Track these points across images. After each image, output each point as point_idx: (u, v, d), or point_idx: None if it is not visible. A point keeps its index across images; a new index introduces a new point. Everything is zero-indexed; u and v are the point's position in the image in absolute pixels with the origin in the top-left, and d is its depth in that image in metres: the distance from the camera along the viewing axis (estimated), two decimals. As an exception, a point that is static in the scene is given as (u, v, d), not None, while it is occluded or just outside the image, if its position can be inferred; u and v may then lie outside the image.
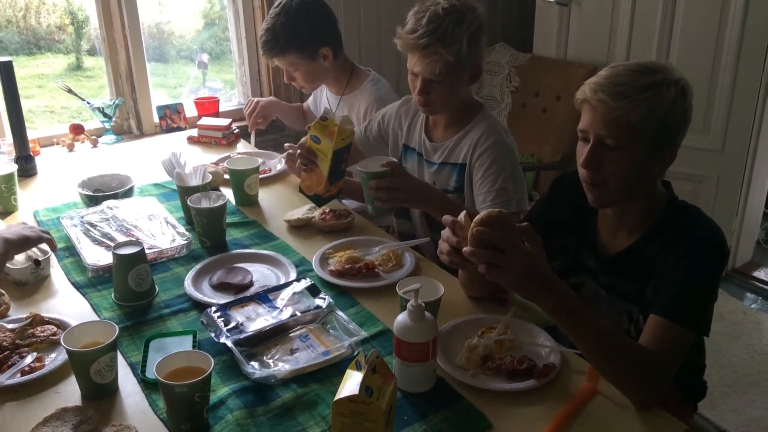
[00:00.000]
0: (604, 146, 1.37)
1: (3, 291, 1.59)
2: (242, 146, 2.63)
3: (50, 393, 1.33)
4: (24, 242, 1.61)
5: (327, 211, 1.97)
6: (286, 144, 1.98)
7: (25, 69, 5.59)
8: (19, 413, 1.27)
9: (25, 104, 5.08)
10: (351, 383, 1.00)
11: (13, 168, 2.08)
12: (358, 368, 1.02)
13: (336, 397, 1.00)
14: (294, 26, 2.23)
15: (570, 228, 1.59)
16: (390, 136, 2.11)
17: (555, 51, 3.48)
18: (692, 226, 1.41)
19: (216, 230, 1.85)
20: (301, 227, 1.96)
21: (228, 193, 2.12)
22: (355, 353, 1.42)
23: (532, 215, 1.70)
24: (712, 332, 1.49)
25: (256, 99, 2.55)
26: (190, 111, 2.98)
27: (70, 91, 2.83)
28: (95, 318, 1.56)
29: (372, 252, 1.80)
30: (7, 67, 2.19)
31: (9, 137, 2.41)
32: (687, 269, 1.35)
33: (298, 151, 1.87)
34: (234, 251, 1.83)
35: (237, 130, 2.68)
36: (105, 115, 2.81)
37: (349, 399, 0.99)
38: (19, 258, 1.67)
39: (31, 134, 2.76)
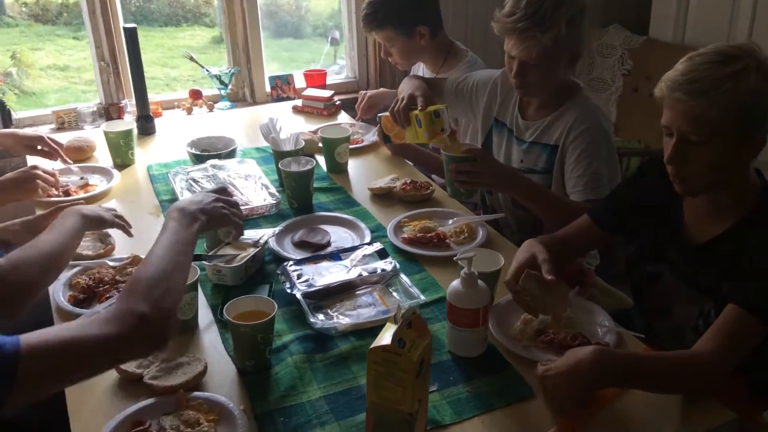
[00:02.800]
0: (688, 142, 1.33)
1: (110, 233, 1.78)
2: (342, 117, 2.74)
3: (140, 324, 1.50)
4: (99, 221, 1.62)
5: (408, 181, 2.04)
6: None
7: (173, 40, 6.02)
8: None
9: (170, 73, 5.46)
10: (387, 335, 1.07)
11: (132, 125, 2.30)
12: (396, 322, 1.09)
13: (371, 346, 1.07)
14: (394, 2, 2.30)
15: (652, 214, 1.56)
16: (481, 106, 2.10)
17: (672, 34, 3.33)
18: None
19: (303, 193, 1.97)
20: (382, 196, 2.04)
21: (321, 161, 2.24)
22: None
23: (614, 196, 1.69)
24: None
25: (364, 91, 2.61)
26: (300, 82, 3.13)
27: (192, 59, 3.05)
28: (187, 263, 1.72)
29: (446, 224, 1.86)
30: (132, 34, 2.40)
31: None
32: None
33: (400, 110, 1.97)
34: (318, 213, 1.95)
35: (338, 102, 2.79)
36: (222, 82, 3.01)
37: (383, 348, 1.06)
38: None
39: (156, 97, 3.02)
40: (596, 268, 2.06)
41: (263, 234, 1.73)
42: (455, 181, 1.80)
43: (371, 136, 2.43)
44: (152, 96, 3.04)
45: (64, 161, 2.17)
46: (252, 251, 1.65)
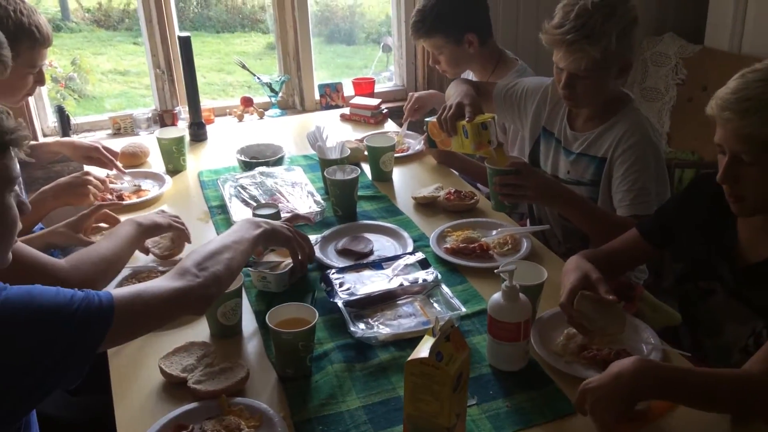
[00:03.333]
0: (740, 161, 1.30)
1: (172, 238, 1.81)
2: (389, 126, 2.75)
3: (185, 329, 1.53)
4: (155, 228, 1.68)
5: (452, 191, 2.04)
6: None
7: (229, 46, 6.16)
8: (156, 343, 1.47)
9: (226, 79, 5.55)
10: (425, 347, 1.07)
11: (184, 132, 2.36)
12: (434, 335, 1.09)
13: (409, 358, 1.08)
14: (443, 9, 2.30)
15: (703, 231, 1.53)
16: (530, 114, 2.07)
17: (728, 43, 3.24)
18: None
19: (347, 201, 1.99)
20: (426, 205, 2.05)
21: (367, 169, 2.26)
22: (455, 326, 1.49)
23: (663, 211, 1.65)
24: None
25: (412, 93, 2.62)
26: (349, 90, 3.16)
27: (243, 66, 3.11)
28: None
29: (490, 234, 1.85)
30: (186, 42, 2.46)
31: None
32: None
33: (447, 119, 1.96)
34: (361, 221, 1.96)
35: (386, 111, 2.80)
36: (272, 90, 3.06)
37: (421, 361, 1.06)
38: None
39: (209, 104, 3.09)
40: (645, 283, 2.02)
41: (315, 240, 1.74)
42: (499, 194, 1.79)
43: (417, 145, 2.43)
44: (206, 102, 3.12)
45: (119, 171, 2.24)
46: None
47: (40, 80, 2.01)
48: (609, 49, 1.74)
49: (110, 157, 2.24)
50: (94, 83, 4.87)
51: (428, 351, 1.06)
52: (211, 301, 1.29)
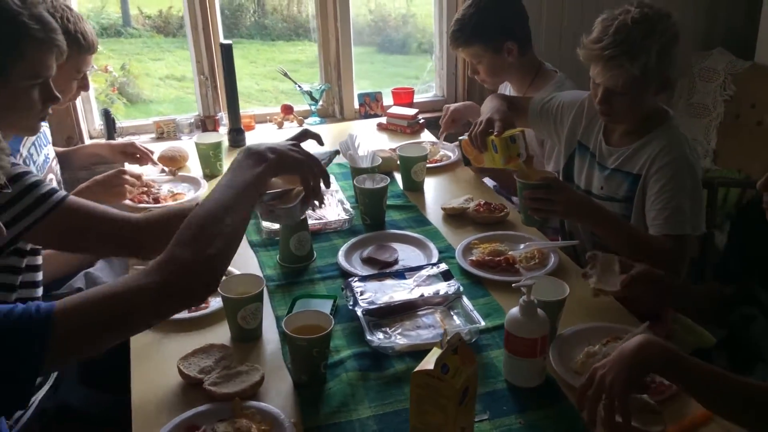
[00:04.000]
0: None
1: None
2: (425, 136, 2.75)
3: (206, 332, 1.56)
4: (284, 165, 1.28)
5: (482, 203, 2.02)
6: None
7: (284, 54, 6.26)
8: (176, 343, 1.51)
9: (279, 86, 5.62)
10: (432, 359, 1.07)
11: (222, 138, 2.40)
12: (442, 347, 1.08)
13: (415, 369, 1.07)
14: (481, 18, 2.29)
15: (751, 259, 1.49)
16: (566, 128, 2.04)
17: (780, 60, 3.15)
18: None
19: (376, 209, 1.99)
20: (455, 216, 2.04)
21: (399, 178, 2.26)
22: (473, 339, 1.49)
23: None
24: None
25: (449, 105, 2.61)
26: (389, 100, 3.17)
27: (285, 75, 3.15)
28: (259, 273, 1.77)
29: (518, 248, 1.83)
30: (227, 50, 2.52)
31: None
32: None
33: (477, 134, 1.96)
34: (389, 230, 1.96)
35: (422, 121, 2.81)
36: (312, 98, 3.09)
37: (426, 373, 1.06)
38: None
39: (250, 111, 3.15)
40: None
41: (321, 158, 1.38)
42: (529, 208, 1.76)
43: (451, 155, 2.43)
44: (249, 109, 3.17)
45: (154, 164, 2.33)
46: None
47: (84, 86, 2.08)
48: (648, 66, 1.70)
49: (145, 150, 2.32)
50: (149, 88, 5.01)
51: (434, 363, 1.05)
52: (210, 290, 1.10)
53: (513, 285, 1.36)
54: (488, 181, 2.59)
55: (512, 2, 2.39)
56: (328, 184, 1.33)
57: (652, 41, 1.70)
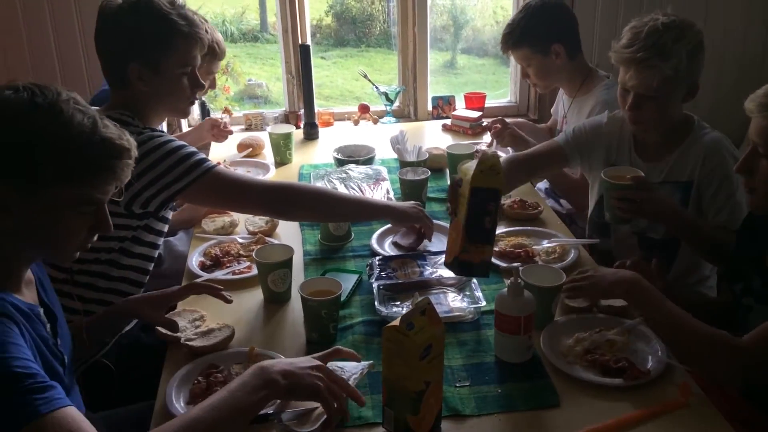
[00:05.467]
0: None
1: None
2: (487, 138, 2.86)
3: (245, 292, 1.77)
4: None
5: (517, 200, 2.13)
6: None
7: (384, 61, 6.50)
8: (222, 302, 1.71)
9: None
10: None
11: (291, 129, 2.64)
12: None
13: (386, 325, 1.22)
14: (530, 21, 2.39)
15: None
16: (595, 152, 2.05)
17: None
18: None
19: (415, 200, 2.12)
20: (489, 211, 2.15)
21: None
22: (475, 318, 1.62)
23: None
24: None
25: (502, 118, 2.63)
26: (462, 104, 3.30)
27: (365, 77, 3.36)
28: (301, 248, 1.97)
29: (542, 243, 1.92)
30: (305, 51, 2.77)
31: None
32: None
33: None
34: (426, 220, 2.11)
35: (485, 123, 2.92)
36: (388, 99, 3.28)
37: (393, 327, 1.20)
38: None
39: (330, 109, 3.38)
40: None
41: (352, 372, 1.34)
42: (616, 207, 1.77)
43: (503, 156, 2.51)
44: (328, 107, 3.41)
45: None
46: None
47: (212, 85, 2.50)
48: (680, 68, 1.78)
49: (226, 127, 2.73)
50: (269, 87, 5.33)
51: (400, 320, 1.20)
52: None
53: (502, 266, 1.47)
54: (541, 185, 2.68)
55: (561, 7, 2.49)
56: (359, 402, 1.29)
57: (682, 45, 1.78)
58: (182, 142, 1.74)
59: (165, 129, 3.07)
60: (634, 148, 2.00)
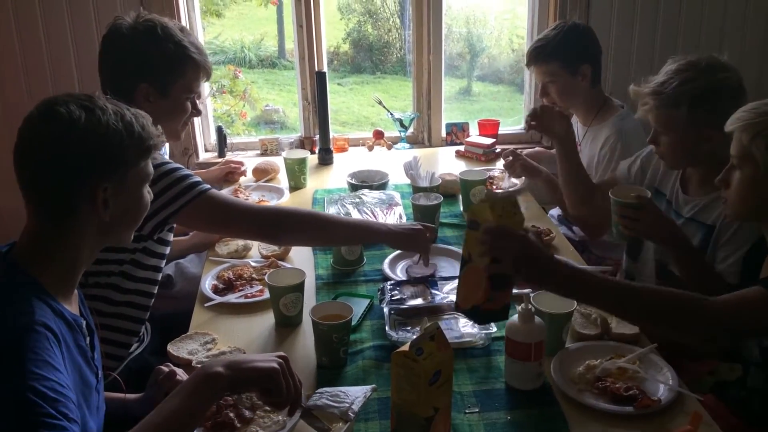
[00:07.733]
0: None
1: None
2: (500, 165, 2.88)
3: (256, 316, 1.79)
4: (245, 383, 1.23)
5: (531, 225, 2.13)
6: None
7: (399, 87, 6.57)
8: (232, 324, 1.74)
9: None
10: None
11: (306, 154, 2.67)
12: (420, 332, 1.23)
13: (395, 351, 1.23)
14: (565, 37, 2.40)
15: None
16: (647, 177, 2.08)
17: None
18: None
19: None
20: (501, 237, 2.15)
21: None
22: (486, 344, 1.62)
23: None
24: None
25: (515, 148, 2.66)
26: (475, 130, 3.33)
27: (380, 103, 3.39)
28: (313, 272, 1.99)
29: (553, 270, 1.92)
30: (321, 77, 2.80)
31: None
32: None
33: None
34: (438, 245, 2.11)
35: (498, 150, 2.94)
36: (402, 125, 3.31)
37: (402, 353, 1.21)
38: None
39: (345, 134, 3.41)
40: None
41: (355, 396, 1.32)
42: (619, 224, 1.80)
43: (503, 183, 2.52)
44: (344, 132, 3.45)
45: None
46: (341, 428, 1.29)
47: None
48: (679, 113, 1.78)
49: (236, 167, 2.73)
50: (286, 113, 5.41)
51: (409, 346, 1.21)
52: None
53: (515, 292, 1.48)
54: (554, 212, 2.69)
55: (592, 33, 2.50)
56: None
57: (685, 89, 1.77)
58: (177, 165, 1.77)
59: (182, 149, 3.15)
60: (681, 178, 1.98)
